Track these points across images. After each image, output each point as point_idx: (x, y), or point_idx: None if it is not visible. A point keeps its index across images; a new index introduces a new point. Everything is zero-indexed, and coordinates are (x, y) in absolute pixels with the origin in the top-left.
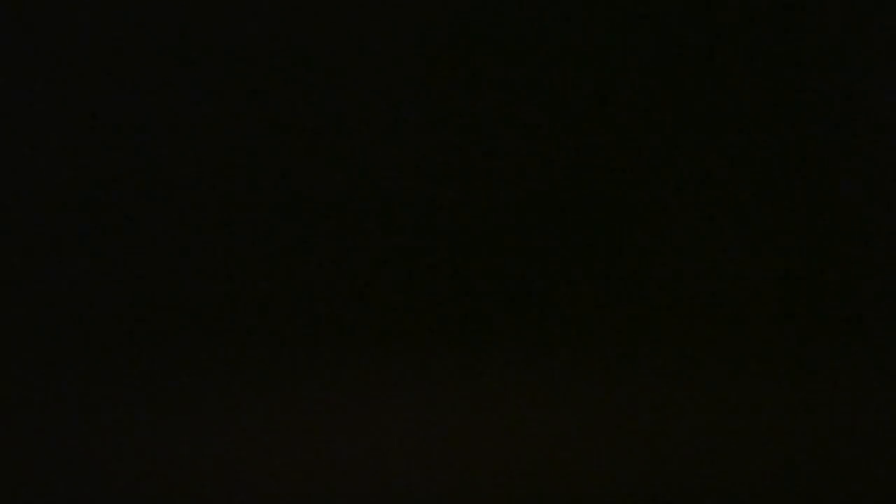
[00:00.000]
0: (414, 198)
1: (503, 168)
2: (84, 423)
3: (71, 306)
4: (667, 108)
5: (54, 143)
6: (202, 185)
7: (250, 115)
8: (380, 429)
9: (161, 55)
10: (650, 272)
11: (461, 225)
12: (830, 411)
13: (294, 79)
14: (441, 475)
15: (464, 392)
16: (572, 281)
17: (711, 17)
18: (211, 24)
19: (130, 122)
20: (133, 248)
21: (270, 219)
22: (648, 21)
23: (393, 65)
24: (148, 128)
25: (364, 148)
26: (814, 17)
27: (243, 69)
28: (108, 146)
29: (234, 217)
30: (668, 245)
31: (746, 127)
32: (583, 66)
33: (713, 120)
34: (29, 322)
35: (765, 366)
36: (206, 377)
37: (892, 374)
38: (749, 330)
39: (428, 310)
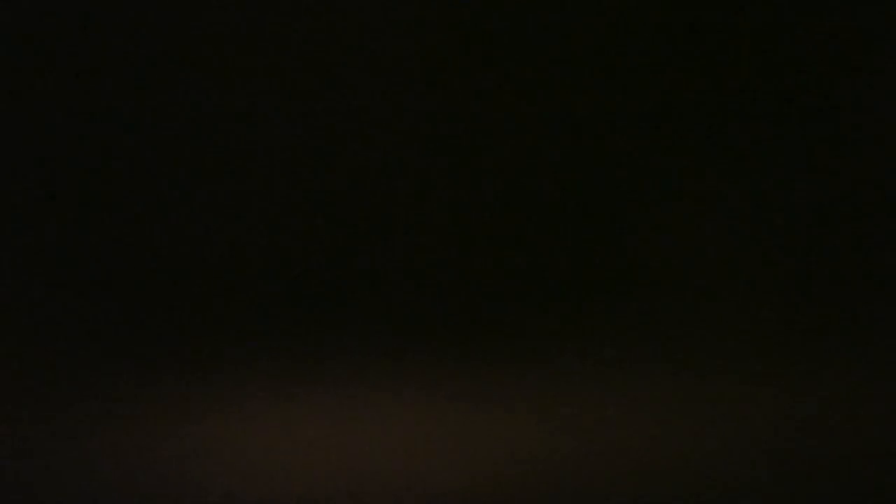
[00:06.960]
0: (413, 197)
1: (503, 170)
2: (83, 420)
3: (69, 301)
4: (666, 107)
5: (54, 134)
6: (202, 185)
7: (250, 112)
8: (380, 426)
9: (160, 53)
10: (650, 272)
11: (460, 225)
12: (830, 410)
13: (294, 77)
14: (439, 474)
15: (462, 392)
16: (572, 281)
17: (710, 17)
18: (210, 24)
19: (132, 117)
20: (133, 246)
21: (270, 218)
22: (648, 21)
23: (393, 65)
24: (149, 126)
25: (363, 147)
26: (814, 18)
27: (243, 68)
28: (109, 141)
29: (234, 216)
30: (668, 246)
31: (746, 126)
32: (581, 67)
33: (713, 118)
34: (26, 314)
35: (764, 366)
36: (206, 375)
37: (892, 374)
38: (748, 330)
39: (427, 308)
